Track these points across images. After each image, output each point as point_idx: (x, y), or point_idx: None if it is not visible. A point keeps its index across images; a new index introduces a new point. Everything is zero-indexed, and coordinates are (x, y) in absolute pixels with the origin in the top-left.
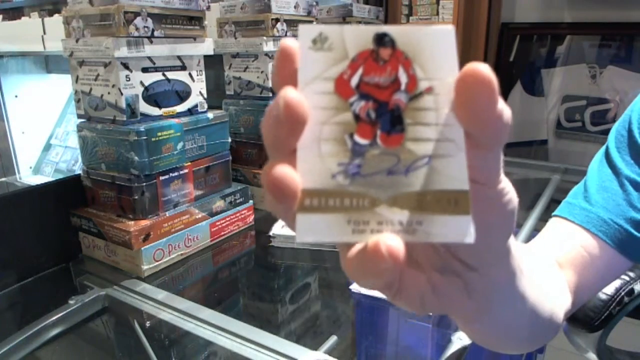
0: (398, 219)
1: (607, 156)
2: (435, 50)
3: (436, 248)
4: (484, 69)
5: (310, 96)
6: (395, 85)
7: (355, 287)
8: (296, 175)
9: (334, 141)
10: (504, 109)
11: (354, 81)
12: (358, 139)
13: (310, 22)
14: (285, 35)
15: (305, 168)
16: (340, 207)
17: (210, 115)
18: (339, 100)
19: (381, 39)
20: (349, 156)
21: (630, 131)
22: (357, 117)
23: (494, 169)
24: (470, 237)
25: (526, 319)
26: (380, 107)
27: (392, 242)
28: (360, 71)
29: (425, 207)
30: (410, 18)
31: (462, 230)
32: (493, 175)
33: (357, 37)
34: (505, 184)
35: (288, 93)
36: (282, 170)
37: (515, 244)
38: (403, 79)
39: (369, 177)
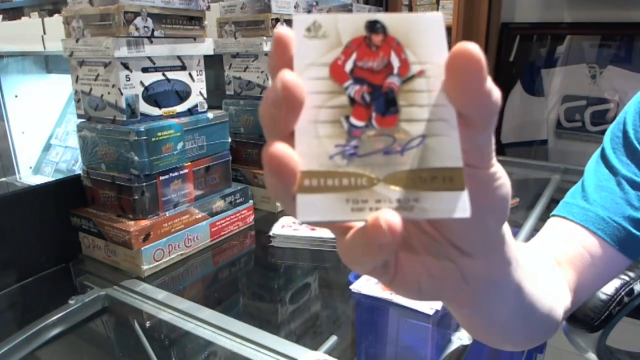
0: (395, 197)
1: (604, 157)
2: (425, 35)
3: (431, 233)
4: (472, 48)
5: (306, 82)
6: (388, 70)
7: (355, 287)
8: (295, 154)
9: (331, 124)
10: (493, 88)
11: (348, 66)
12: (354, 121)
13: None
14: None
15: (303, 150)
16: (339, 186)
17: (210, 115)
18: (334, 85)
19: (373, 26)
20: (345, 138)
21: (625, 132)
22: (352, 101)
23: (486, 151)
24: (465, 212)
25: (523, 312)
26: (375, 91)
27: (390, 216)
28: (353, 57)
29: (421, 185)
30: None
31: (458, 205)
32: (485, 158)
33: (350, 24)
34: (498, 169)
35: (285, 75)
36: (281, 148)
37: (511, 235)
38: (395, 63)
39: (366, 157)
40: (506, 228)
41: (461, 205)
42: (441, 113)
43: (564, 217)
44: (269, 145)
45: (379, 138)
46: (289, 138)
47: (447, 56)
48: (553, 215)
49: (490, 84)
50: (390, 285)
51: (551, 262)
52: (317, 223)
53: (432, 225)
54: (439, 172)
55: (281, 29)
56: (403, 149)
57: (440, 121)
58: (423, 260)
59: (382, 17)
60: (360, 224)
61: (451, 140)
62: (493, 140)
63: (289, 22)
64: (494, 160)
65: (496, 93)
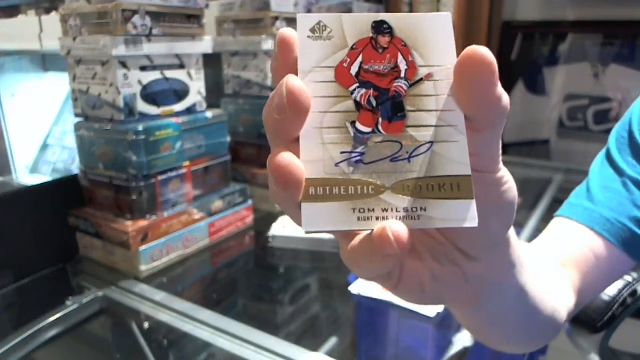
0: (403, 206)
1: (609, 158)
2: (433, 36)
3: (436, 237)
4: (483, 51)
5: (310, 85)
6: (395, 73)
7: (355, 288)
8: (300, 163)
9: (336, 130)
10: (503, 93)
11: (354, 69)
12: (360, 126)
13: None
14: None
15: (309, 157)
16: (345, 195)
17: (209, 114)
18: (339, 89)
19: (380, 27)
20: (351, 144)
21: (630, 132)
22: (358, 105)
23: (493, 156)
24: (474, 221)
25: (526, 314)
26: (381, 95)
27: (398, 227)
28: (360, 59)
29: (429, 193)
30: None
31: (466, 214)
32: (491, 163)
33: (356, 25)
34: (504, 173)
35: (290, 80)
36: (287, 157)
37: (516, 237)
38: (402, 66)
39: (373, 165)
40: (511, 230)
41: (470, 215)
42: (449, 118)
43: (568, 218)
44: (274, 155)
45: (386, 145)
46: (294, 144)
47: (455, 59)
48: (557, 216)
49: (500, 89)
50: (394, 290)
51: (555, 263)
52: (322, 233)
53: (438, 230)
54: (447, 180)
55: (285, 30)
56: (410, 156)
57: (448, 127)
58: (427, 264)
59: (389, 17)
60: (366, 232)
61: (459, 146)
62: (500, 145)
63: (288, 20)
64: (501, 164)
65: (506, 98)
